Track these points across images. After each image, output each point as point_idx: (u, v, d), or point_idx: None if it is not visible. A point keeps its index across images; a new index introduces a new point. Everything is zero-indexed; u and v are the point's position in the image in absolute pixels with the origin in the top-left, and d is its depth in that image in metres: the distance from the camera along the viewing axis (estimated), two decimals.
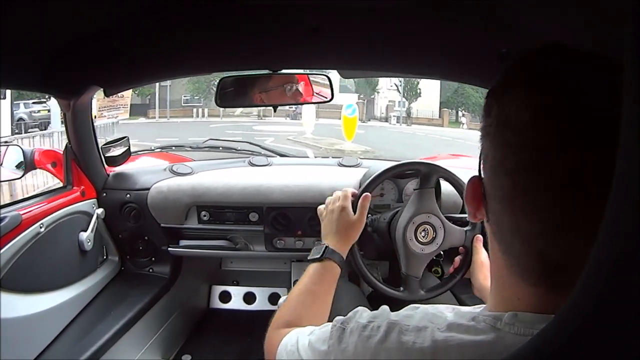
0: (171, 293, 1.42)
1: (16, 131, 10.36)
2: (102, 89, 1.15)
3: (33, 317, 0.97)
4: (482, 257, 0.90)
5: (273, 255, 1.39)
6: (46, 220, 1.03)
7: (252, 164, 1.51)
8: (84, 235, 1.17)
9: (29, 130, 10.09)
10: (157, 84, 17.71)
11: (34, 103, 12.05)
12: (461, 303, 1.20)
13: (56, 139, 6.38)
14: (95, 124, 1.27)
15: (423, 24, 0.80)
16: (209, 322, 1.70)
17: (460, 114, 23.72)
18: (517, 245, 0.33)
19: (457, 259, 0.97)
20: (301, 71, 1.20)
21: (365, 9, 0.75)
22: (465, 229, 0.99)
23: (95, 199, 1.27)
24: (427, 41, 0.88)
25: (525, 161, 0.31)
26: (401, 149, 11.19)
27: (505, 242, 0.35)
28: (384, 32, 0.85)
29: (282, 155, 1.71)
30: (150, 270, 1.43)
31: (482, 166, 0.37)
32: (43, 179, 4.42)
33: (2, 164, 1.18)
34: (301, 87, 1.17)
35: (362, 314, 0.42)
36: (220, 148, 1.81)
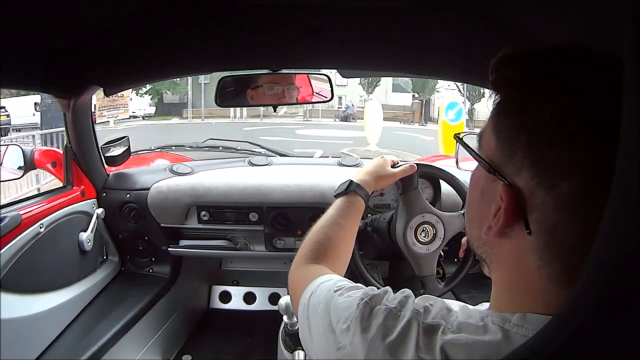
0: (171, 293, 1.42)
1: None
2: (102, 89, 1.15)
3: (33, 317, 0.97)
4: None
5: (273, 255, 1.39)
6: (46, 220, 1.03)
7: (252, 164, 1.51)
8: (84, 235, 1.17)
9: None
10: (190, 80, 16.96)
11: None
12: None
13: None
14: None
15: (423, 24, 0.80)
16: (209, 322, 1.70)
17: None
18: (575, 252, 0.32)
19: (464, 239, 0.96)
20: (301, 71, 1.20)
21: (365, 9, 0.75)
22: (461, 211, 0.99)
23: (95, 199, 1.27)
24: (427, 41, 0.88)
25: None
26: None
27: (555, 249, 0.33)
28: (384, 32, 0.85)
29: (282, 155, 1.71)
30: (150, 270, 1.43)
31: (506, 168, 0.35)
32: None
33: (2, 163, 1.18)
34: (301, 86, 1.17)
35: (390, 296, 0.41)
36: (220, 148, 1.80)
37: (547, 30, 0.59)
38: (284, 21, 0.83)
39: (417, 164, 0.95)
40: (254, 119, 17.56)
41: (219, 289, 1.79)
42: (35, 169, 1.22)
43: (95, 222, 1.22)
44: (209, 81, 16.49)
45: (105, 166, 1.33)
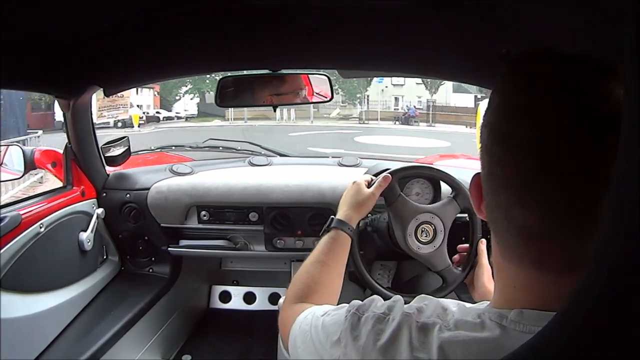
0: (171, 293, 1.42)
1: None
2: (102, 89, 1.15)
3: (33, 317, 0.97)
4: (485, 259, 0.90)
5: (273, 255, 1.39)
6: (46, 220, 1.03)
7: (252, 164, 1.51)
8: (83, 235, 1.17)
9: None
10: None
11: None
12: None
13: None
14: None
15: (423, 24, 0.80)
16: (209, 322, 1.70)
17: None
18: (504, 225, 0.35)
19: (457, 256, 0.96)
20: (301, 71, 1.20)
21: (365, 9, 0.75)
22: (450, 195, 1.01)
23: (95, 199, 1.27)
24: (427, 41, 0.88)
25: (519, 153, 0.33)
26: None
27: (498, 227, 0.37)
28: (384, 32, 0.85)
29: (282, 155, 1.71)
30: (150, 270, 1.43)
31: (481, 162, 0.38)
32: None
33: (2, 163, 1.18)
34: (301, 86, 1.17)
35: (377, 303, 0.43)
36: (220, 148, 1.81)
37: (547, 30, 0.59)
38: (284, 21, 0.83)
39: (398, 169, 0.96)
40: (303, 121, 15.87)
41: (219, 289, 1.79)
42: (35, 168, 1.22)
43: (95, 222, 1.22)
44: None
45: (106, 166, 1.33)
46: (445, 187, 1.17)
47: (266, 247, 1.37)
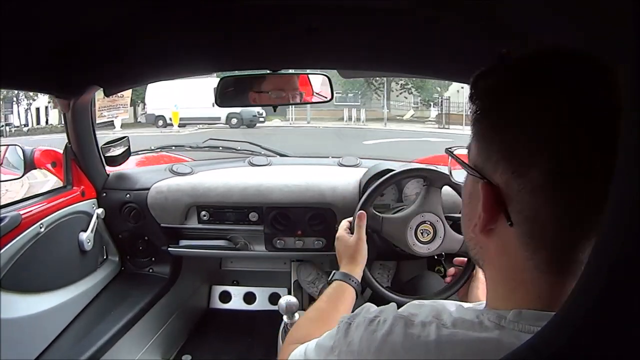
0: (171, 293, 1.42)
1: None
2: (102, 89, 1.15)
3: (33, 317, 0.97)
4: (481, 273, 0.90)
5: (273, 255, 1.39)
6: (46, 220, 1.03)
7: (252, 164, 1.51)
8: (83, 235, 1.17)
9: None
10: None
11: None
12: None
13: None
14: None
15: (423, 24, 0.80)
16: (209, 322, 1.70)
17: None
18: (558, 238, 0.34)
19: (453, 269, 0.96)
20: (301, 71, 1.20)
21: (365, 9, 0.75)
22: (424, 184, 1.03)
23: (95, 199, 1.27)
24: (426, 41, 0.88)
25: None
26: None
27: (539, 237, 0.34)
28: (384, 32, 0.85)
29: (282, 155, 1.71)
30: (150, 270, 1.43)
31: (485, 168, 0.36)
32: None
33: (2, 163, 1.18)
34: (301, 86, 1.17)
35: (369, 309, 0.43)
36: (220, 148, 1.80)
37: (547, 30, 0.59)
38: (284, 21, 0.82)
39: (365, 199, 0.98)
40: (374, 123, 14.00)
41: (219, 289, 1.79)
42: (35, 168, 1.22)
43: (95, 222, 1.22)
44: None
45: (105, 166, 1.33)
46: (445, 190, 1.17)
47: (266, 247, 1.37)
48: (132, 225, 1.34)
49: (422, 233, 1.02)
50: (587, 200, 0.31)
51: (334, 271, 0.82)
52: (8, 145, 1.22)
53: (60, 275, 1.10)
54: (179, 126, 12.00)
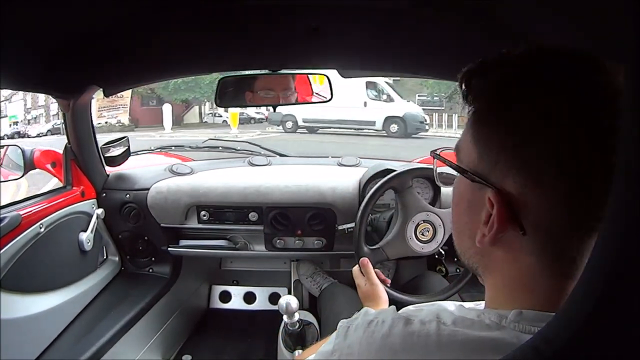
0: (171, 293, 1.42)
1: None
2: (102, 89, 1.15)
3: (33, 317, 0.96)
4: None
5: (273, 255, 1.39)
6: (46, 220, 1.03)
7: (252, 164, 1.51)
8: (83, 236, 1.17)
9: None
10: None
11: None
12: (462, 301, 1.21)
13: None
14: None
15: (423, 24, 0.80)
16: (209, 322, 1.70)
17: None
18: (573, 246, 0.33)
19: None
20: (301, 71, 1.20)
21: (365, 9, 0.75)
22: None
23: (95, 199, 1.27)
24: (426, 41, 0.88)
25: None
26: None
27: (552, 245, 0.34)
28: (384, 32, 0.85)
29: (281, 155, 1.71)
30: (151, 270, 1.43)
31: (492, 175, 0.35)
32: None
33: (1, 164, 1.18)
34: (301, 86, 1.17)
35: (369, 311, 0.42)
36: (220, 148, 1.80)
37: (547, 30, 0.59)
38: (284, 21, 0.82)
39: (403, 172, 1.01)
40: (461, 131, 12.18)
41: (219, 288, 1.79)
42: (34, 168, 1.22)
43: (95, 222, 1.22)
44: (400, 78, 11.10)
45: (105, 166, 1.33)
46: (444, 189, 1.18)
47: (266, 247, 1.37)
48: (132, 225, 1.34)
49: (422, 232, 1.02)
50: (602, 206, 0.31)
51: (364, 309, 0.83)
52: (8, 145, 1.22)
53: (60, 275, 1.10)
54: (236, 128, 10.29)
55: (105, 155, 1.31)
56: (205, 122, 16.16)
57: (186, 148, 1.81)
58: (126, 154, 1.36)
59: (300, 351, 1.01)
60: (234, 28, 0.86)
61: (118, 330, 1.11)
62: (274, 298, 1.73)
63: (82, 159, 1.23)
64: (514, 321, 0.34)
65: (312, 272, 1.53)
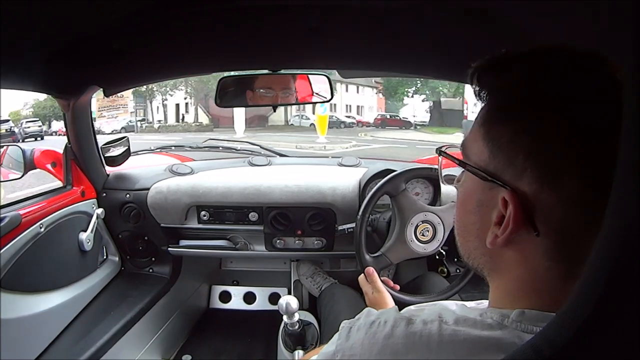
0: (171, 293, 1.42)
1: None
2: (102, 89, 1.15)
3: (33, 317, 0.96)
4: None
5: (273, 255, 1.39)
6: (46, 220, 1.03)
7: (252, 164, 1.51)
8: (83, 235, 1.17)
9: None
10: None
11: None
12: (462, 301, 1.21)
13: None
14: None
15: (423, 24, 0.80)
16: (209, 322, 1.70)
17: None
18: (588, 248, 0.32)
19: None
20: (301, 71, 1.19)
21: (366, 8, 0.75)
22: (452, 202, 1.04)
23: (95, 199, 1.27)
24: (427, 41, 0.88)
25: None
26: None
27: (567, 248, 0.33)
28: (384, 32, 0.85)
29: (282, 155, 1.71)
30: (151, 270, 1.43)
31: (505, 175, 0.34)
32: None
33: (1, 164, 1.18)
34: (301, 86, 1.17)
35: (371, 312, 0.42)
36: (220, 148, 1.80)
37: (547, 30, 0.59)
38: (284, 21, 0.82)
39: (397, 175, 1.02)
40: None
41: (219, 288, 1.79)
42: (34, 168, 1.22)
43: (95, 222, 1.22)
44: None
45: (105, 166, 1.33)
46: (445, 188, 1.18)
47: (266, 247, 1.37)
48: (132, 225, 1.34)
49: (422, 233, 1.02)
50: (584, 200, 0.31)
51: (366, 309, 0.84)
52: (8, 145, 1.22)
53: (60, 275, 1.10)
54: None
55: (106, 155, 1.31)
56: (291, 124, 15.32)
57: (186, 148, 1.81)
58: (126, 154, 1.36)
59: (300, 351, 1.01)
60: (234, 28, 0.86)
61: (118, 330, 1.11)
62: (274, 298, 1.73)
63: (82, 158, 1.23)
64: (516, 321, 0.34)
65: (312, 272, 1.53)
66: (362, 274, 0.96)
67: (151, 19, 0.77)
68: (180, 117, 17.64)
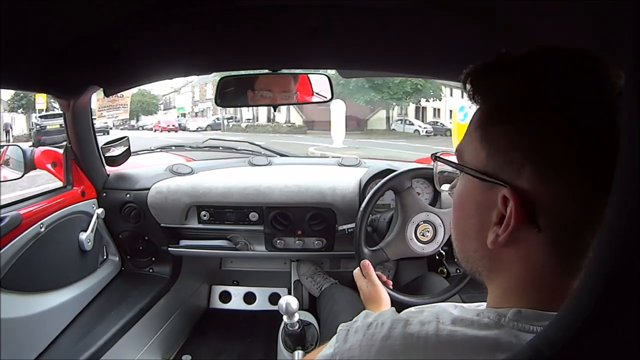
0: (171, 293, 1.42)
1: None
2: (102, 89, 1.15)
3: (33, 317, 0.97)
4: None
5: (273, 255, 1.39)
6: (46, 220, 1.03)
7: (252, 164, 1.51)
8: (83, 235, 1.17)
9: None
10: None
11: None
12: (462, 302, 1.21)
13: None
14: None
15: (423, 24, 0.80)
16: (209, 322, 1.70)
17: None
18: (585, 243, 0.32)
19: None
20: (301, 71, 1.19)
21: (365, 9, 0.75)
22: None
23: (95, 199, 1.27)
24: (427, 41, 0.88)
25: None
26: None
27: (570, 243, 0.33)
28: (384, 32, 0.85)
29: (282, 155, 1.71)
30: (151, 270, 1.43)
31: (503, 174, 0.34)
32: None
33: (2, 164, 1.18)
34: (301, 86, 1.17)
35: (368, 314, 0.42)
36: (220, 148, 1.80)
37: (547, 30, 0.59)
38: (284, 21, 0.82)
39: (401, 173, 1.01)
40: None
41: (219, 289, 1.79)
42: (35, 169, 1.22)
43: (95, 222, 1.22)
44: None
45: (106, 166, 1.33)
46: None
47: (266, 247, 1.37)
48: (132, 225, 1.34)
49: (422, 233, 1.02)
50: (584, 201, 0.31)
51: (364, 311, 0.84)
52: (8, 145, 1.22)
53: (60, 275, 1.10)
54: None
55: (106, 155, 1.31)
56: (393, 129, 14.45)
57: (186, 148, 1.81)
58: (126, 154, 1.36)
59: (300, 352, 1.01)
60: (234, 28, 0.86)
61: (118, 330, 1.11)
62: (274, 298, 1.73)
63: (82, 158, 1.23)
64: (513, 320, 0.34)
65: (312, 272, 1.53)
66: (358, 268, 0.95)
67: (151, 19, 0.77)
68: (272, 116, 16.43)
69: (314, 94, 1.18)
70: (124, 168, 1.40)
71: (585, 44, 0.34)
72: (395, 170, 1.06)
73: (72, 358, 0.98)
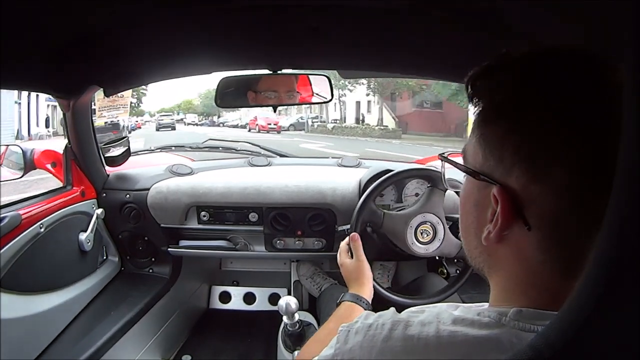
0: (171, 293, 1.42)
1: None
2: (102, 89, 1.15)
3: (33, 317, 0.96)
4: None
5: (273, 255, 1.39)
6: (46, 220, 1.03)
7: (252, 164, 1.51)
8: (83, 236, 1.17)
9: None
10: None
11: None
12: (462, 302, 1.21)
13: None
14: None
15: (423, 25, 0.80)
16: (208, 322, 1.70)
17: None
18: (580, 241, 0.32)
19: None
20: (301, 71, 1.19)
21: (366, 9, 0.75)
22: (428, 185, 1.05)
23: (95, 199, 1.27)
24: (426, 41, 0.88)
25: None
26: None
27: (559, 240, 0.33)
28: (384, 32, 0.85)
29: (282, 156, 1.71)
30: (150, 271, 1.43)
31: (496, 173, 0.35)
32: None
33: (1, 164, 1.18)
34: (301, 86, 1.17)
35: (369, 315, 0.42)
36: (220, 148, 1.80)
37: (548, 30, 0.59)
38: (284, 21, 0.82)
39: (354, 220, 1.01)
40: None
41: (218, 289, 1.79)
42: (35, 168, 1.22)
43: (95, 222, 1.22)
44: None
45: (105, 166, 1.33)
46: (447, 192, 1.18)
47: (266, 247, 1.37)
48: (132, 225, 1.34)
49: (422, 233, 1.02)
50: (584, 200, 0.31)
51: (343, 293, 0.82)
52: (8, 145, 1.22)
53: (60, 275, 1.10)
54: None
55: (106, 155, 1.31)
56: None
57: (186, 148, 1.81)
58: (126, 154, 1.36)
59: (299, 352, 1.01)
60: (234, 28, 0.86)
61: (118, 330, 1.11)
62: (273, 299, 1.73)
63: (82, 159, 1.23)
64: (514, 319, 0.34)
65: (312, 272, 1.53)
66: (344, 242, 0.93)
67: (151, 19, 0.77)
68: (360, 117, 15.47)
69: (314, 94, 1.18)
70: (124, 168, 1.40)
71: (586, 44, 0.34)
72: (393, 170, 1.06)
73: (72, 358, 0.98)
